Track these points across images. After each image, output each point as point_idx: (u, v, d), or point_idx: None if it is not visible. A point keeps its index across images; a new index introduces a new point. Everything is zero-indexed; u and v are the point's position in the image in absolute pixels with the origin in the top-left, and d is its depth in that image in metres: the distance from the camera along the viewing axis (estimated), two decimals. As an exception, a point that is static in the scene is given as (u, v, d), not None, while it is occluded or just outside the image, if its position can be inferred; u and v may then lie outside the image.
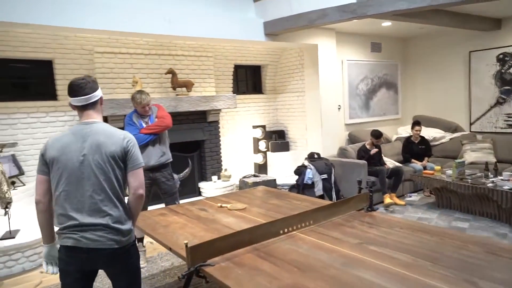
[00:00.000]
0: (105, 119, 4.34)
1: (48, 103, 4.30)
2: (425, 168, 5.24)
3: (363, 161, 4.83)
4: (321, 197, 4.62)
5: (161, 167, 3.35)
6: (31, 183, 3.95)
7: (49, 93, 4.36)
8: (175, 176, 4.62)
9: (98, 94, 1.73)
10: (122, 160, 1.66)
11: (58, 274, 1.69)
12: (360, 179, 2.58)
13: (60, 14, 3.44)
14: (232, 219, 2.51)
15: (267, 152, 5.82)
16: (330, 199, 4.66)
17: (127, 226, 1.66)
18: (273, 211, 2.64)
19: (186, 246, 1.67)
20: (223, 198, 3.13)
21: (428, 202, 5.02)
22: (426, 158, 5.47)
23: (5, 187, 3.27)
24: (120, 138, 1.67)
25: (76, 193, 1.58)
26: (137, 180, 1.69)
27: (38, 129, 4.20)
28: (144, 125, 3.29)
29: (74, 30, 3.76)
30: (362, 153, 5.01)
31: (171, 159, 3.46)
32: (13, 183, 3.84)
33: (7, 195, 3.27)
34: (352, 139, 6.05)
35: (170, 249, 2.04)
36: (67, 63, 4.33)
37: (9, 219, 3.42)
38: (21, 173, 4.04)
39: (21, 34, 4.01)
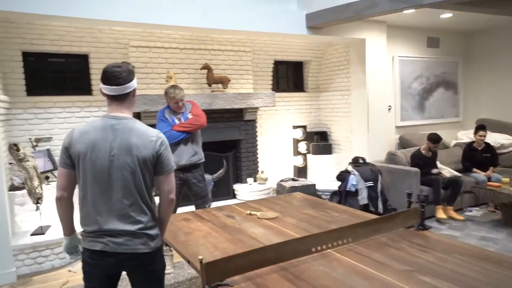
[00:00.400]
0: (138, 116, 4.38)
1: (83, 98, 4.39)
2: (489, 179, 4.75)
3: (415, 169, 4.46)
4: (366, 206, 4.32)
5: (192, 167, 3.30)
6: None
7: (84, 88, 4.46)
8: (207, 177, 4.60)
9: (132, 85, 1.66)
10: (153, 164, 1.62)
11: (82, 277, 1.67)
12: (410, 192, 2.30)
13: (95, 7, 3.47)
14: (260, 229, 2.34)
15: (308, 155, 5.66)
16: (376, 209, 4.34)
17: (155, 231, 1.65)
18: (307, 223, 2.44)
19: (201, 262, 1.51)
20: (254, 204, 2.98)
21: (492, 218, 4.54)
22: (491, 168, 4.96)
23: (35, 182, 3.33)
24: (153, 140, 1.61)
25: (104, 196, 1.55)
26: (168, 185, 1.67)
27: (73, 124, 4.28)
28: (177, 122, 3.25)
29: (109, 23, 3.79)
30: (417, 160, 4.63)
31: (203, 160, 3.41)
32: (47, 178, 3.93)
33: (37, 190, 3.34)
34: (403, 143, 5.67)
35: (188, 261, 1.91)
36: (102, 57, 4.39)
37: (40, 214, 3.49)
38: (56, 168, 4.09)
39: (58, 28, 4.11)
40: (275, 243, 1.79)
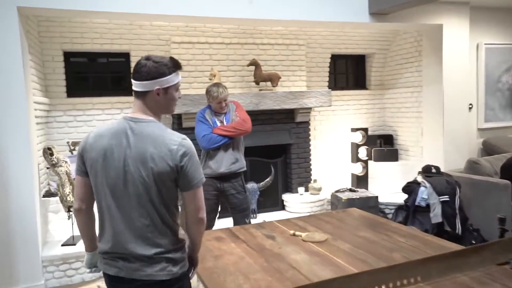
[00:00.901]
0: (179, 118, 4.28)
1: (122, 99, 4.38)
2: None
3: (506, 182, 3.80)
4: (440, 225, 3.77)
5: (231, 176, 3.14)
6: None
7: (125, 88, 4.44)
8: (253, 186, 4.42)
9: (156, 82, 1.46)
10: (174, 178, 1.43)
11: None
12: (503, 216, 1.81)
13: (134, 0, 3.42)
14: (303, 255, 2.03)
15: (369, 162, 5.26)
16: (453, 229, 3.77)
17: (179, 254, 1.50)
18: (364, 250, 2.07)
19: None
20: (300, 222, 2.66)
21: None
22: None
23: (67, 189, 3.29)
24: (173, 149, 1.42)
25: (118, 212, 1.43)
26: (195, 203, 1.49)
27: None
28: (219, 124, 3.12)
29: (149, 17, 3.74)
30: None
31: (245, 168, 3.24)
32: None
33: (69, 198, 3.29)
34: (487, 149, 5.01)
35: (209, 297, 1.62)
36: (142, 54, 4.28)
37: (72, 224, 3.44)
38: None
39: (99, 26, 4.12)
40: (318, 282, 1.44)
